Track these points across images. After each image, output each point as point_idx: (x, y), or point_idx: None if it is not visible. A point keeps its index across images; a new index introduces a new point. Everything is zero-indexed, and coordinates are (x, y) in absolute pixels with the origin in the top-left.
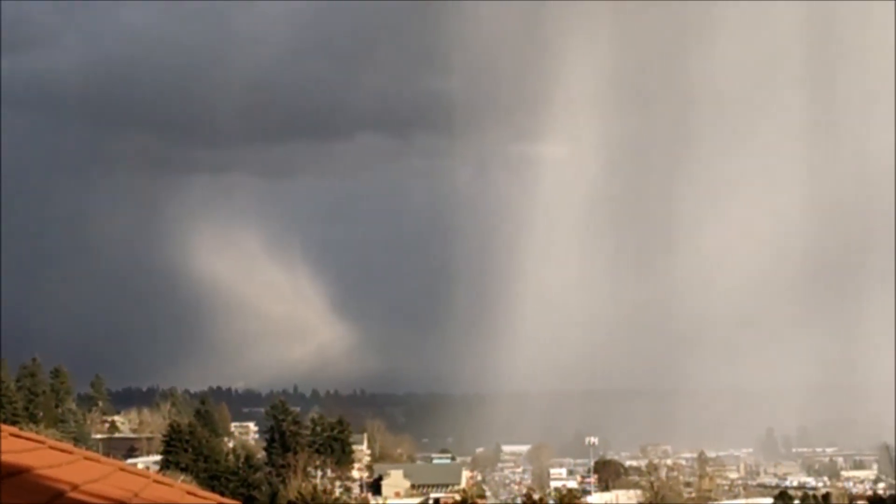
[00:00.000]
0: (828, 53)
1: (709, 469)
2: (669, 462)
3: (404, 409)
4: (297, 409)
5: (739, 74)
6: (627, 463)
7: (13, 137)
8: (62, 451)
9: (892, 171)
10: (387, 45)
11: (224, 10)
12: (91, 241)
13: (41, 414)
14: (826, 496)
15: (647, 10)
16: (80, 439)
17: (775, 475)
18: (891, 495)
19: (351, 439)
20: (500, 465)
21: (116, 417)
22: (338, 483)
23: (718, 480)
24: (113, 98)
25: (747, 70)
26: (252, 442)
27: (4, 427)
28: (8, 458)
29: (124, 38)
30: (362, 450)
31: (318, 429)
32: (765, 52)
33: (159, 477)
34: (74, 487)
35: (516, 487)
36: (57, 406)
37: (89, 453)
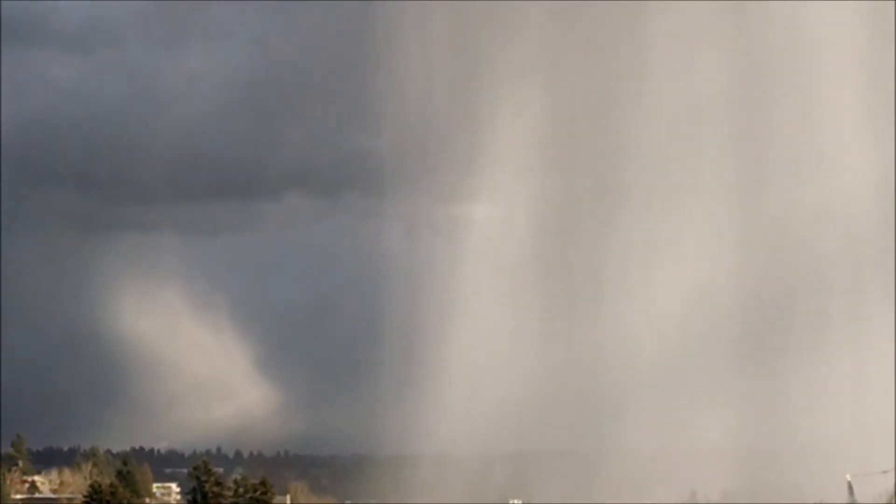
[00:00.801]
0: (758, 113)
1: None
2: None
3: (328, 470)
4: (220, 470)
5: (670, 131)
6: None
7: None
8: None
9: (817, 232)
10: (315, 103)
11: (151, 67)
12: (13, 299)
13: None
14: None
15: (578, 69)
16: None
17: None
18: None
19: (274, 501)
20: None
21: (37, 477)
22: None
23: None
24: (40, 155)
25: (678, 126)
26: (174, 503)
27: None
28: None
29: (52, 94)
30: None
31: (241, 490)
32: (696, 108)
33: None
34: None
35: None
36: None
37: None
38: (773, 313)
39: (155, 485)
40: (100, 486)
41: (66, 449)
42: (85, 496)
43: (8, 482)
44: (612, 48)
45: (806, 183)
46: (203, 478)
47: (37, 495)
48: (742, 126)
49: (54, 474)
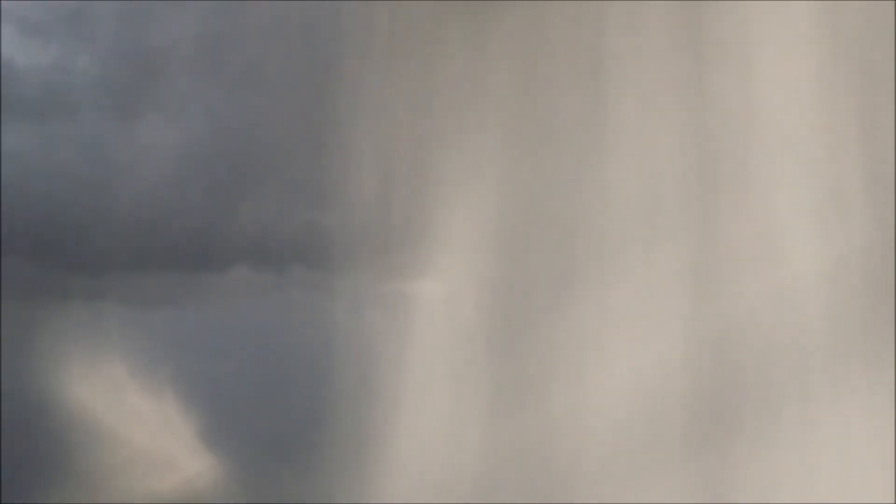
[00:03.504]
0: (712, 198)
1: None
2: None
3: None
4: None
5: (625, 215)
6: None
7: None
8: None
9: (767, 318)
10: (268, 178)
11: (105, 138)
12: None
13: None
14: None
15: (537, 153)
16: None
17: None
18: None
19: None
20: None
21: None
22: None
23: None
24: None
25: (633, 210)
26: None
27: None
28: None
29: (5, 163)
30: None
31: None
32: (652, 193)
33: None
34: None
35: None
36: None
37: None
38: (724, 399)
39: None
40: None
41: None
42: None
43: None
44: (571, 135)
45: (757, 269)
46: None
47: None
48: (696, 211)
49: None
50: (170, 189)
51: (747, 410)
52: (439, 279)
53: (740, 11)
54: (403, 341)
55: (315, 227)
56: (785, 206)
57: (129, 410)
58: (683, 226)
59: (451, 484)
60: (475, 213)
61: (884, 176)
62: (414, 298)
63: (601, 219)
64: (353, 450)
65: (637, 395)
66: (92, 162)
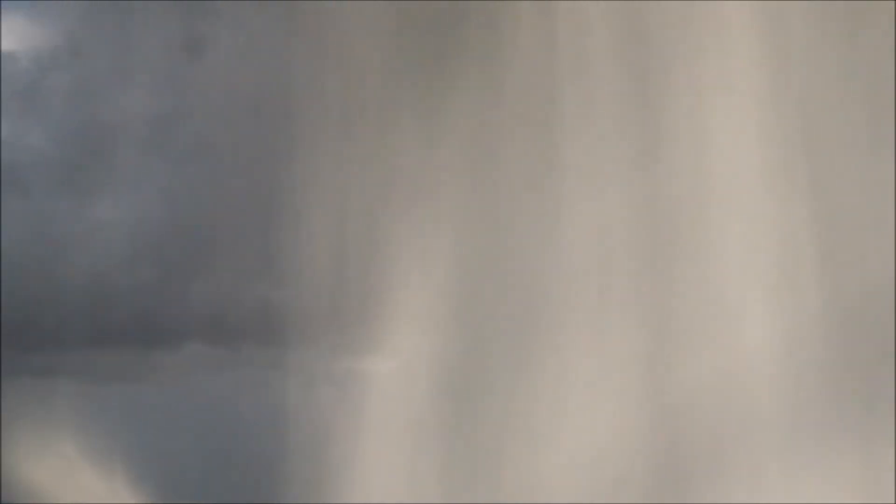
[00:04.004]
0: (662, 266)
1: None
2: None
3: None
4: None
5: (579, 284)
6: None
7: None
8: None
9: (719, 395)
10: (222, 255)
11: (56, 215)
12: None
13: None
14: None
15: (489, 220)
16: None
17: None
18: None
19: None
20: None
21: None
22: None
23: None
24: None
25: (586, 279)
26: None
27: None
28: None
29: None
30: None
31: None
32: (604, 259)
33: None
34: None
35: None
36: None
37: None
38: (677, 471)
39: None
40: None
41: None
42: None
43: None
44: (524, 206)
45: (710, 337)
46: None
47: None
48: (650, 277)
49: None
50: (122, 266)
51: (700, 481)
52: (393, 355)
53: (694, 72)
54: (357, 418)
55: (268, 303)
56: (738, 274)
57: (80, 488)
58: (638, 293)
59: None
60: (428, 287)
61: (838, 247)
62: (367, 375)
63: (555, 289)
64: None
65: (592, 467)
66: (43, 239)
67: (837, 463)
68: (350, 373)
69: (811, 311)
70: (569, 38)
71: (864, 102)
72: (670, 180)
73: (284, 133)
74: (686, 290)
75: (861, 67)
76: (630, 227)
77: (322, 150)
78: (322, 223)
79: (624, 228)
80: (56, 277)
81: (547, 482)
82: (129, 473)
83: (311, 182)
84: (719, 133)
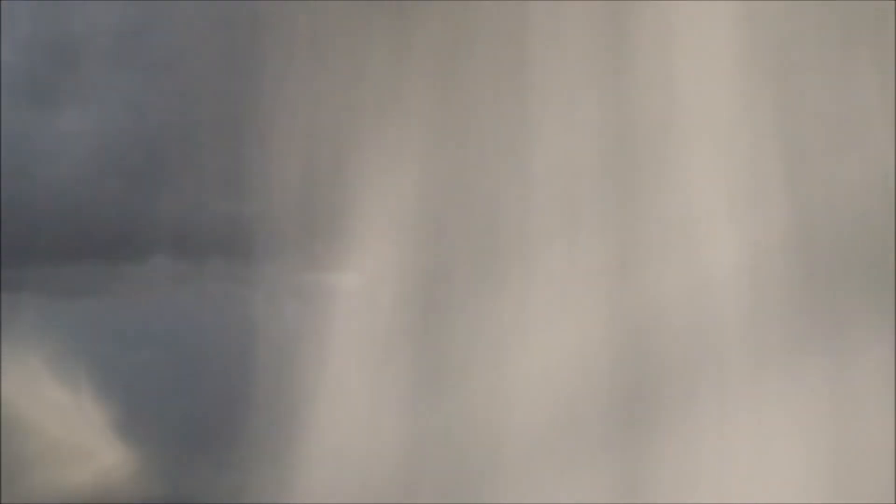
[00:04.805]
0: (628, 187)
1: None
2: None
3: None
4: None
5: (546, 202)
6: None
7: None
8: None
9: (683, 314)
10: (184, 169)
11: (21, 128)
12: None
13: None
14: None
15: (458, 142)
16: None
17: None
18: None
19: None
20: None
21: None
22: None
23: None
24: None
25: (554, 197)
26: None
27: None
28: None
29: None
30: None
31: None
32: (573, 179)
33: None
34: None
35: None
36: None
37: None
38: (643, 389)
39: None
40: None
41: None
42: None
43: None
44: (491, 128)
45: (676, 259)
46: None
47: None
48: (616, 201)
49: None
50: (87, 179)
51: (665, 399)
52: (359, 270)
53: (662, 8)
54: (322, 332)
55: (235, 217)
56: (704, 197)
57: (45, 401)
58: (603, 216)
59: (370, 474)
60: (395, 204)
61: (805, 166)
62: (333, 289)
63: (521, 209)
64: (270, 441)
65: (557, 386)
66: (8, 151)
67: (805, 381)
68: (316, 287)
69: (777, 228)
70: None
71: (836, 28)
72: (638, 101)
73: (254, 47)
74: (652, 207)
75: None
76: (597, 147)
77: (292, 64)
78: (290, 138)
79: (591, 148)
80: (21, 191)
81: (512, 396)
82: (93, 386)
83: (280, 97)
84: (687, 57)
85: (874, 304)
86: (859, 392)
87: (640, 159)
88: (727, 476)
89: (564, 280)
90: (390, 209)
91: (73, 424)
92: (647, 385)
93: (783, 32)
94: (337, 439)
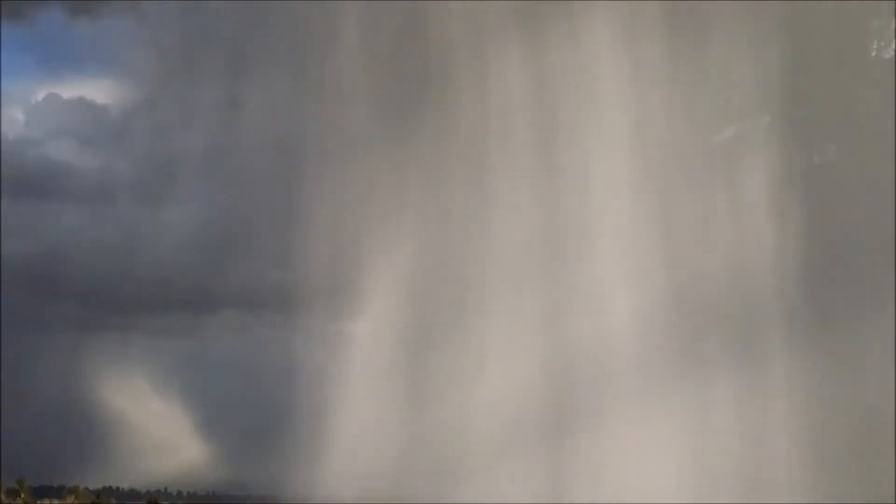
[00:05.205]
0: (555, 263)
1: None
2: None
3: None
4: None
5: (497, 269)
6: None
7: None
8: None
9: (595, 347)
10: (247, 249)
11: (135, 217)
12: (28, 379)
13: None
14: None
15: (439, 230)
16: None
17: None
18: None
19: None
20: None
21: None
22: None
23: None
24: (51, 277)
25: (502, 265)
26: None
27: None
28: None
29: (63, 234)
30: None
31: None
32: (514, 258)
33: None
34: None
35: None
36: None
37: None
38: (565, 405)
39: None
40: None
41: (55, 486)
42: None
43: None
44: (459, 223)
45: (589, 313)
46: None
47: None
48: (547, 273)
49: (47, 502)
50: (180, 254)
51: (582, 412)
52: (368, 320)
53: (581, 140)
54: (342, 365)
55: (282, 283)
56: (609, 273)
57: (147, 410)
58: (539, 283)
59: (374, 465)
60: (394, 274)
61: (675, 254)
62: (350, 334)
63: (482, 279)
64: (307, 439)
65: (506, 403)
66: (127, 235)
67: (675, 401)
68: (338, 333)
69: (658, 295)
70: (499, 111)
71: (701, 156)
72: (564, 205)
73: (297, 163)
74: (573, 278)
75: (695, 132)
76: (535, 237)
77: (323, 176)
78: (322, 228)
79: (531, 238)
80: (134, 262)
81: (475, 410)
82: (181, 401)
83: (315, 199)
84: (598, 175)
85: (723, 349)
86: (712, 410)
87: (565, 245)
88: (623, 464)
89: (511, 327)
90: (390, 278)
91: (167, 427)
92: (569, 402)
93: (667, 162)
94: (351, 440)
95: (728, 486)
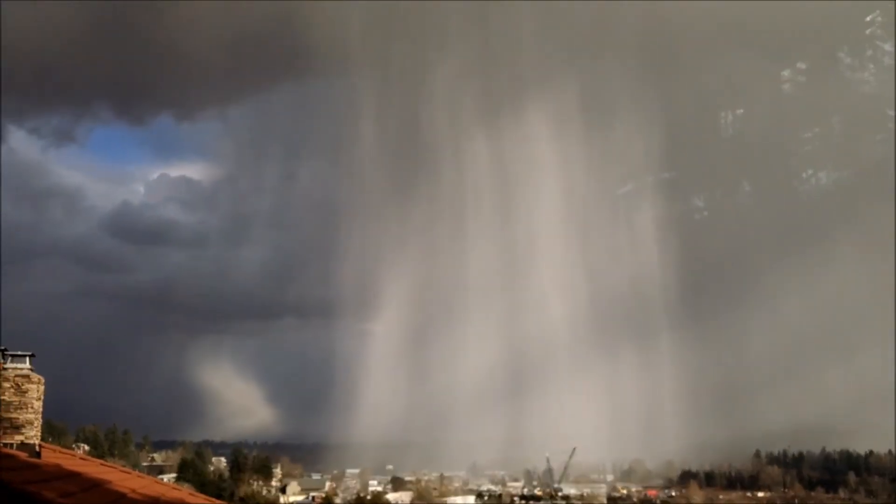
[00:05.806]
0: (512, 281)
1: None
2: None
3: (301, 452)
4: (247, 452)
5: (474, 290)
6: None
7: (103, 319)
8: (126, 472)
9: (540, 338)
10: (299, 275)
11: (222, 256)
12: (151, 367)
13: (116, 452)
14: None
15: (437, 262)
16: (136, 466)
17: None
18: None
19: (271, 466)
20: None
21: (155, 455)
22: (263, 488)
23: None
24: (165, 298)
25: (477, 290)
26: (222, 467)
27: (96, 459)
28: (98, 475)
29: (176, 272)
30: (277, 471)
31: (255, 462)
32: (484, 284)
33: (177, 486)
34: (133, 491)
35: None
36: (125, 448)
37: (140, 474)
38: (521, 375)
39: (214, 458)
40: (186, 460)
41: (169, 440)
42: (179, 464)
43: (140, 457)
44: (450, 255)
45: (536, 316)
46: (238, 456)
47: (154, 464)
48: (507, 290)
49: (164, 454)
50: (253, 280)
51: (532, 381)
52: (383, 322)
53: (534, 212)
54: (366, 352)
55: (324, 298)
56: (550, 286)
57: (232, 388)
58: (502, 294)
59: (391, 418)
60: (402, 288)
61: (595, 273)
62: (371, 333)
63: (464, 292)
64: (342, 403)
65: (480, 374)
66: (217, 268)
67: (594, 373)
68: (363, 332)
69: (582, 301)
70: (471, 181)
71: (607, 199)
72: (518, 241)
73: (334, 217)
74: (524, 292)
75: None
76: (499, 263)
77: (352, 226)
78: (351, 261)
79: (497, 263)
80: (222, 285)
81: (457, 380)
82: (256, 380)
83: (346, 241)
84: (541, 222)
85: (626, 337)
86: (619, 378)
87: (518, 269)
88: (560, 414)
89: (483, 325)
90: (399, 294)
91: (246, 398)
92: (523, 374)
93: (586, 210)
94: (374, 402)
95: (631, 429)
